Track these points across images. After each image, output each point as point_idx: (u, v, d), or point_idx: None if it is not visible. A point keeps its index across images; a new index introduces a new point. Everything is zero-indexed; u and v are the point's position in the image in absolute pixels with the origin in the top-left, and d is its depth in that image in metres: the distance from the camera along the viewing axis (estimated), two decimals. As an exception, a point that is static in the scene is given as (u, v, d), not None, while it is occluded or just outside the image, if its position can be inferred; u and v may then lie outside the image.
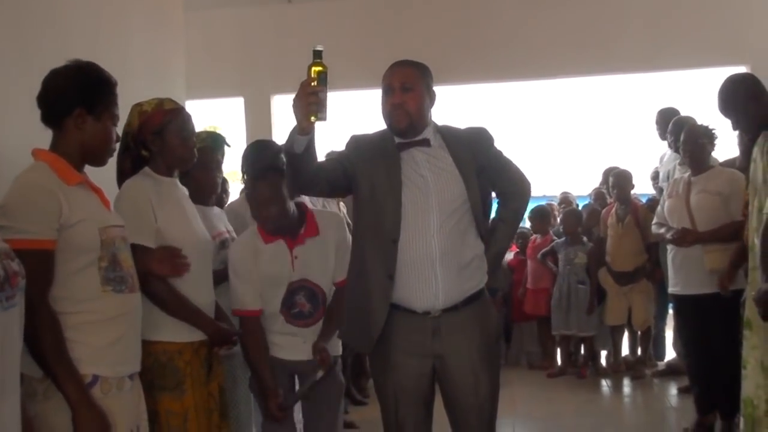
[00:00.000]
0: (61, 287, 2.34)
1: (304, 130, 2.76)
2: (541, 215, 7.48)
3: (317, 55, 2.75)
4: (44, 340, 2.26)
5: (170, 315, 2.83)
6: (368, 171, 3.02)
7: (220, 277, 3.57)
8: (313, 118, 2.71)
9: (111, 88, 2.51)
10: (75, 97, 2.44)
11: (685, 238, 4.78)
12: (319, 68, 2.70)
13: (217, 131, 3.90)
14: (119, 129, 2.65)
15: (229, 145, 3.80)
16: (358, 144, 3.11)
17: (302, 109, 2.71)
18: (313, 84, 2.69)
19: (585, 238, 7.07)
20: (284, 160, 2.94)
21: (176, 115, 3.03)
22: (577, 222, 7.11)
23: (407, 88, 3.01)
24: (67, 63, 2.50)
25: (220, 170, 3.77)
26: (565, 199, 8.19)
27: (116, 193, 2.95)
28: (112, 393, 2.39)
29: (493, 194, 3.23)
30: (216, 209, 3.78)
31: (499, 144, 3.19)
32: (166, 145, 2.98)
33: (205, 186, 3.64)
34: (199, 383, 2.92)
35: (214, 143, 3.69)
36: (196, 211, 3.17)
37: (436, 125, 3.14)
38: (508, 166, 3.19)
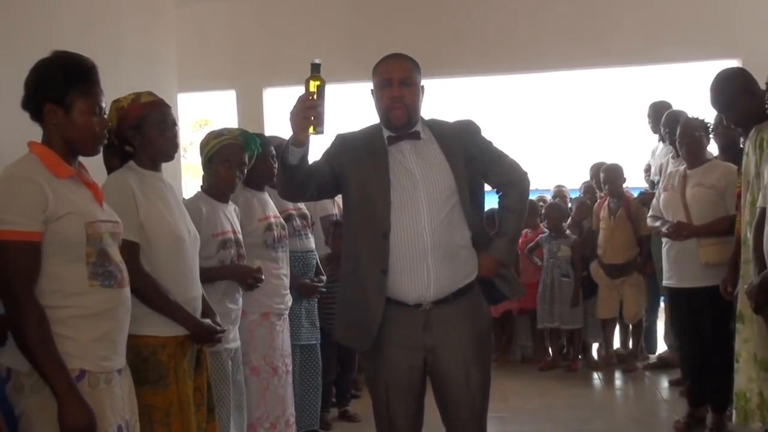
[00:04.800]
0: (49, 280, 2.31)
1: (300, 143, 2.78)
2: (531, 209, 7.49)
3: (315, 68, 2.75)
4: (31, 333, 2.23)
5: (153, 310, 2.81)
6: (356, 168, 3.04)
7: (215, 275, 3.56)
8: (310, 131, 2.72)
9: (78, 79, 2.44)
10: (43, 93, 2.42)
11: (680, 231, 4.78)
12: (318, 82, 2.71)
13: (244, 130, 3.85)
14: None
15: (259, 150, 3.78)
16: (345, 142, 3.13)
17: (300, 123, 2.72)
18: (311, 98, 2.70)
19: (568, 232, 7.09)
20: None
21: (153, 107, 3.01)
22: (559, 216, 7.13)
23: (407, 83, 3.02)
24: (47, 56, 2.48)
25: (242, 171, 3.73)
26: (559, 193, 8.19)
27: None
28: (100, 387, 2.37)
29: (488, 187, 3.23)
30: (230, 206, 3.76)
31: (491, 137, 3.19)
32: (145, 139, 2.98)
33: (220, 181, 3.63)
34: (184, 378, 2.89)
35: (244, 142, 3.67)
36: (183, 206, 3.15)
37: (423, 119, 3.15)
38: (501, 158, 3.18)
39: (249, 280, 3.67)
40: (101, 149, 2.56)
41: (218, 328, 3.06)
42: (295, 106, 2.73)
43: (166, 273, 2.88)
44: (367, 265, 2.99)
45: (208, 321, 3.03)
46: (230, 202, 3.78)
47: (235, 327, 3.68)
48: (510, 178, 3.18)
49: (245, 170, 3.77)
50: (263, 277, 3.76)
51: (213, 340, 3.04)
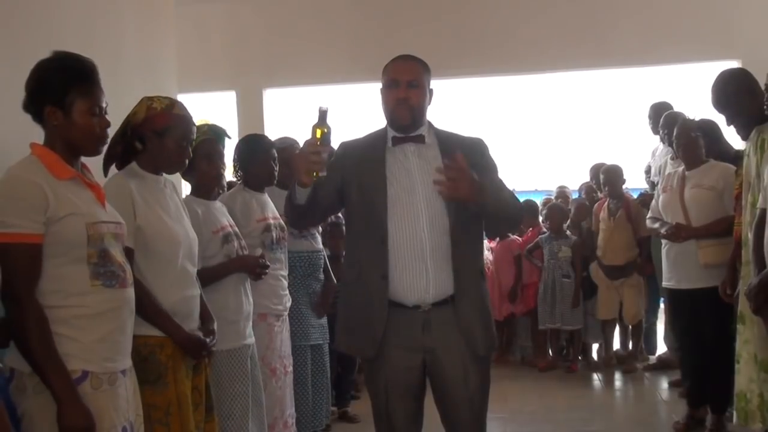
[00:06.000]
0: (50, 281, 2.32)
1: (305, 185, 2.87)
2: (530, 209, 7.51)
3: (322, 115, 2.84)
4: (31, 335, 2.24)
5: (142, 318, 2.76)
6: (356, 174, 3.06)
7: (223, 270, 3.58)
8: (314, 176, 2.82)
9: (77, 79, 2.44)
10: (43, 95, 2.42)
11: (679, 233, 4.79)
12: (324, 129, 2.81)
13: (214, 123, 3.90)
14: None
15: (229, 137, 3.81)
16: (346, 150, 3.18)
17: (304, 167, 2.82)
18: (316, 144, 2.79)
19: (569, 232, 7.11)
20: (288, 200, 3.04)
21: (182, 121, 3.04)
22: (560, 217, 7.15)
23: (414, 84, 3.04)
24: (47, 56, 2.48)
25: (222, 162, 3.77)
26: (562, 193, 8.20)
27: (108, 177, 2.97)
28: (103, 388, 2.37)
29: None
30: (218, 203, 3.77)
31: (494, 140, 3.19)
32: (162, 147, 2.99)
33: (208, 178, 3.65)
34: (182, 377, 2.89)
35: (215, 135, 3.70)
36: (181, 209, 3.15)
37: (431, 124, 3.16)
38: (501, 182, 3.16)
39: (257, 269, 3.70)
40: (102, 150, 2.56)
41: (206, 340, 3.01)
42: (301, 151, 2.84)
43: (163, 275, 2.89)
44: (368, 271, 3.00)
45: (197, 334, 2.99)
46: (217, 200, 3.80)
47: (249, 323, 3.70)
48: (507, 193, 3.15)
49: (224, 161, 3.80)
50: (265, 271, 3.78)
51: (200, 355, 2.99)
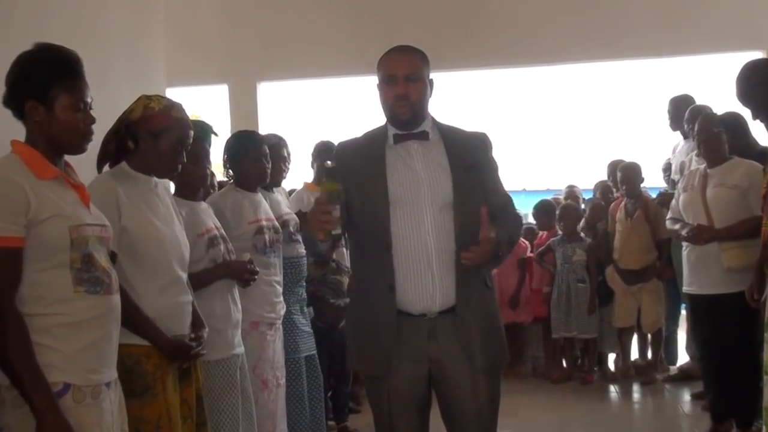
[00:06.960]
0: (31, 287, 2.31)
1: (322, 241, 2.90)
2: (546, 210, 7.48)
3: (330, 172, 2.89)
4: (10, 344, 2.24)
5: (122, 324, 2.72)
6: (356, 179, 3.03)
7: (208, 276, 3.57)
8: (329, 234, 2.83)
9: (61, 73, 2.44)
10: (24, 89, 2.43)
11: (700, 235, 4.77)
12: (333, 187, 2.81)
13: (200, 119, 3.91)
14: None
15: (216, 134, 3.81)
16: (345, 152, 3.18)
17: (316, 227, 2.82)
18: (323, 204, 2.79)
19: (583, 234, 7.09)
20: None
21: (180, 125, 3.05)
22: (575, 218, 7.13)
23: (412, 78, 3.02)
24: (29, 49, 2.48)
25: (209, 160, 3.79)
26: (571, 193, 8.18)
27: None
28: (86, 402, 2.37)
29: None
30: (204, 204, 3.77)
31: (502, 136, 3.21)
32: (156, 149, 3.00)
33: (194, 178, 3.64)
34: (171, 388, 2.89)
35: (202, 132, 3.70)
36: (173, 211, 3.16)
37: (434, 119, 3.15)
38: (499, 183, 3.19)
39: (245, 275, 3.69)
40: (87, 147, 2.56)
41: (193, 345, 3.02)
42: (311, 211, 2.86)
43: (151, 280, 2.89)
44: (375, 282, 3.01)
45: (179, 339, 2.99)
46: (203, 201, 3.80)
47: (238, 332, 3.69)
48: (505, 201, 3.17)
49: (210, 159, 3.82)
50: (254, 277, 3.77)
51: (188, 357, 3.00)
